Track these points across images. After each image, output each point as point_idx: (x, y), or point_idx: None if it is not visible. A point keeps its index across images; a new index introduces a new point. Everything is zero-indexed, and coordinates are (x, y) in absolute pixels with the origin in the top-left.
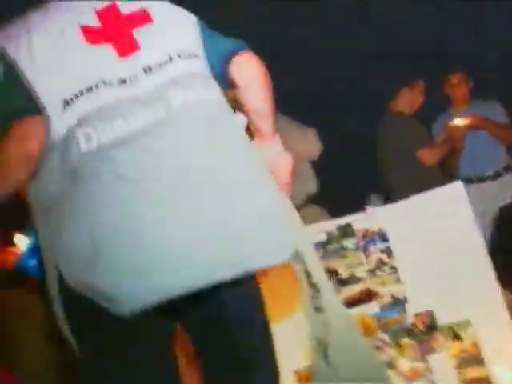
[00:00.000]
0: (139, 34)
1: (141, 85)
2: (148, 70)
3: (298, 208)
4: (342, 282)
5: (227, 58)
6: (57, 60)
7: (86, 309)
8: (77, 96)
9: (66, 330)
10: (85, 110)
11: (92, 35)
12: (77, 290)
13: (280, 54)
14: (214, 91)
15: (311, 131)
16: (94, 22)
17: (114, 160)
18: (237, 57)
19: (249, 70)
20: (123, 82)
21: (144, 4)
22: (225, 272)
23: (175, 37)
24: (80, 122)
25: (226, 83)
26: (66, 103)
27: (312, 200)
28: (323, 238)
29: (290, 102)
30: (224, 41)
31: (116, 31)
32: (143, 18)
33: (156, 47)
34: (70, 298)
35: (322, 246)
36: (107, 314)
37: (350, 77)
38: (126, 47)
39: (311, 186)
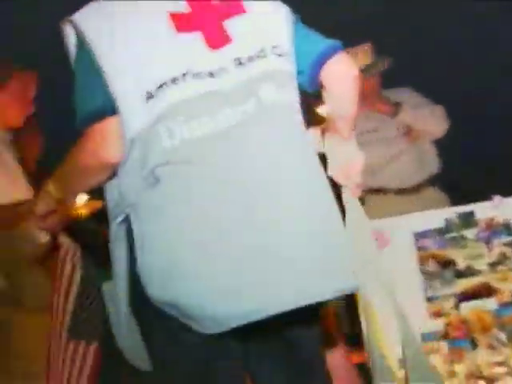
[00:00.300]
0: (231, 24)
1: (231, 79)
2: (239, 63)
3: (417, 189)
4: (459, 274)
5: (320, 61)
6: (142, 48)
7: (159, 319)
8: (161, 87)
9: (126, 340)
10: (168, 102)
11: (181, 22)
12: (152, 303)
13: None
14: (297, 94)
15: (439, 109)
16: (184, 7)
17: (195, 161)
18: (331, 60)
19: (340, 74)
20: (211, 75)
21: None
22: (309, 297)
23: (269, 30)
24: (163, 116)
25: (314, 85)
26: (150, 95)
27: (432, 182)
28: (441, 224)
29: (417, 77)
30: (317, 40)
31: (206, 19)
32: (235, 7)
33: (248, 40)
34: (142, 309)
35: (438, 233)
36: (183, 329)
37: (480, 54)
38: (217, 39)
39: (433, 166)
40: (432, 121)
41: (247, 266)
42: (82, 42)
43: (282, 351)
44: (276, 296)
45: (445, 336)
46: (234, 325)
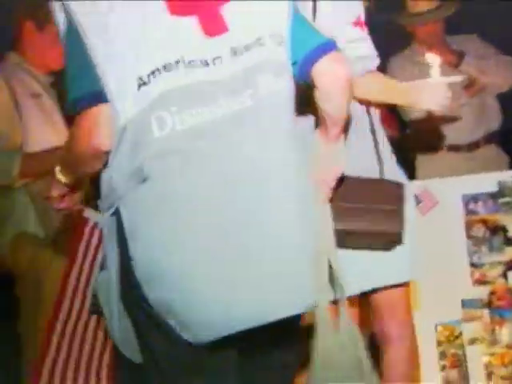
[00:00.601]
0: (228, 9)
1: (226, 68)
2: (235, 53)
3: (473, 147)
4: (509, 242)
5: (313, 57)
6: (134, 31)
7: (146, 313)
8: (153, 73)
9: (120, 337)
10: (160, 90)
11: (176, 5)
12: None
13: None
14: (292, 84)
15: (507, 59)
16: None
17: (186, 154)
18: (323, 58)
19: (331, 75)
20: (206, 63)
21: None
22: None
23: (267, 17)
24: (154, 105)
25: (304, 79)
26: (142, 82)
27: (490, 140)
28: (494, 188)
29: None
30: (313, 34)
31: (203, 2)
32: None
33: (246, 27)
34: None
35: (490, 197)
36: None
37: None
38: (214, 26)
39: (493, 122)
40: (498, 73)
41: (236, 276)
42: (71, 22)
43: (267, 364)
44: (263, 307)
45: (488, 304)
46: (224, 333)
